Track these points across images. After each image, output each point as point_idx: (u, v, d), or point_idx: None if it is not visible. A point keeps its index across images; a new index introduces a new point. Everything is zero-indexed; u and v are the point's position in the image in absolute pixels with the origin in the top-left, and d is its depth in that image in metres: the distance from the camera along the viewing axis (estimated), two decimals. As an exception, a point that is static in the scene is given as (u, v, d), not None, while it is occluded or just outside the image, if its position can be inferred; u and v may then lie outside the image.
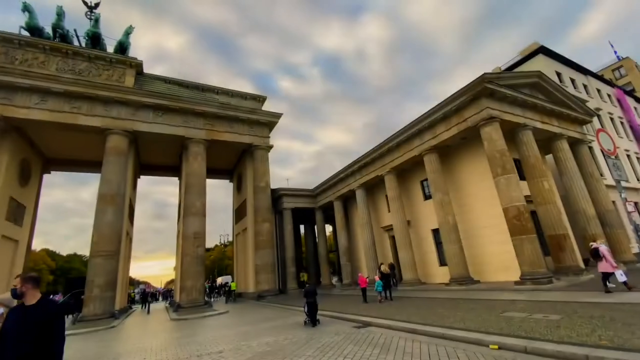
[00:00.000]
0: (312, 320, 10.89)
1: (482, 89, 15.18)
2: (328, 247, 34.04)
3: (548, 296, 10.72)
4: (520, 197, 14.33)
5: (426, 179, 20.93)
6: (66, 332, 15.96)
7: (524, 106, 16.77)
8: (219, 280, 48.67)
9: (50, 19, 23.41)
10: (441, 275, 19.50)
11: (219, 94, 27.25)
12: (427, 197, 21.19)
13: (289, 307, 16.84)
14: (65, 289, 39.94)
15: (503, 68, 30.04)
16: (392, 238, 23.75)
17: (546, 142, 19.13)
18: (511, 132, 16.69)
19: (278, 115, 27.01)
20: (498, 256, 16.62)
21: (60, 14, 22.98)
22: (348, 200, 29.18)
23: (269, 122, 26.74)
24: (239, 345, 9.07)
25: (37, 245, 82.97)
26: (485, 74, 14.96)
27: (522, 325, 7.46)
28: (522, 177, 17.37)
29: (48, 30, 22.70)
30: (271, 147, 26.56)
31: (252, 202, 25.86)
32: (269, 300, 21.45)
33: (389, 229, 23.87)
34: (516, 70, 27.33)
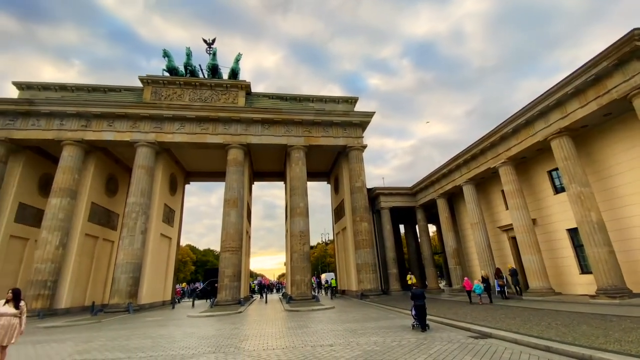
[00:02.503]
0: (422, 324, 10.29)
1: (632, 49, 12.26)
2: (432, 248, 32.68)
3: None
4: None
5: (555, 169, 17.92)
6: (206, 313, 17.83)
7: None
8: (323, 276, 51.74)
9: (183, 58, 28.80)
10: (583, 284, 16.42)
11: (314, 102, 29.18)
12: (558, 190, 18.05)
13: (393, 308, 16.35)
14: (204, 278, 48.36)
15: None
16: (513, 239, 20.94)
17: None
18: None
19: (370, 115, 27.36)
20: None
21: (188, 54, 28.25)
22: (454, 197, 27.17)
23: (362, 122, 27.30)
24: (348, 341, 9.23)
25: (182, 241, 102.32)
26: (635, 29, 12.10)
27: None
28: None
29: (181, 68, 28.23)
30: (365, 146, 27.05)
31: (350, 202, 26.75)
32: (372, 300, 21.36)
33: (507, 228, 21.12)
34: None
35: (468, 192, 22.60)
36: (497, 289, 17.97)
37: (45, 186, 25.28)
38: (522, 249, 17.79)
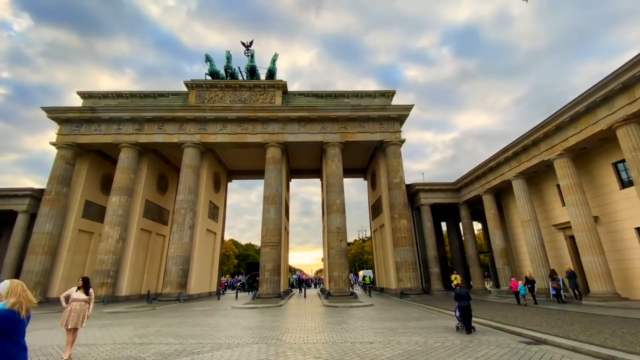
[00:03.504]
0: (466, 326, 9.89)
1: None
2: (478, 247, 31.33)
3: None
4: None
5: (622, 160, 16.44)
6: (249, 305, 18.66)
7: None
8: (361, 273, 51.63)
9: (224, 62, 30.15)
10: (659, 290, 15.31)
11: (349, 98, 29.13)
12: (625, 184, 16.56)
13: (435, 308, 15.89)
14: (246, 271, 50.42)
15: None
16: (571, 239, 19.51)
17: None
18: None
19: (409, 108, 26.74)
20: None
21: (228, 57, 29.47)
22: (502, 192, 26.01)
23: (400, 116, 26.78)
24: (388, 339, 9.14)
25: (225, 236, 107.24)
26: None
27: None
28: None
29: (222, 71, 29.53)
30: (403, 141, 26.50)
31: (387, 199, 26.43)
32: (412, 299, 21.10)
33: (564, 227, 19.73)
34: None
35: (518, 187, 21.29)
36: (552, 292, 16.88)
37: (106, 185, 27.89)
38: (581, 249, 16.48)
